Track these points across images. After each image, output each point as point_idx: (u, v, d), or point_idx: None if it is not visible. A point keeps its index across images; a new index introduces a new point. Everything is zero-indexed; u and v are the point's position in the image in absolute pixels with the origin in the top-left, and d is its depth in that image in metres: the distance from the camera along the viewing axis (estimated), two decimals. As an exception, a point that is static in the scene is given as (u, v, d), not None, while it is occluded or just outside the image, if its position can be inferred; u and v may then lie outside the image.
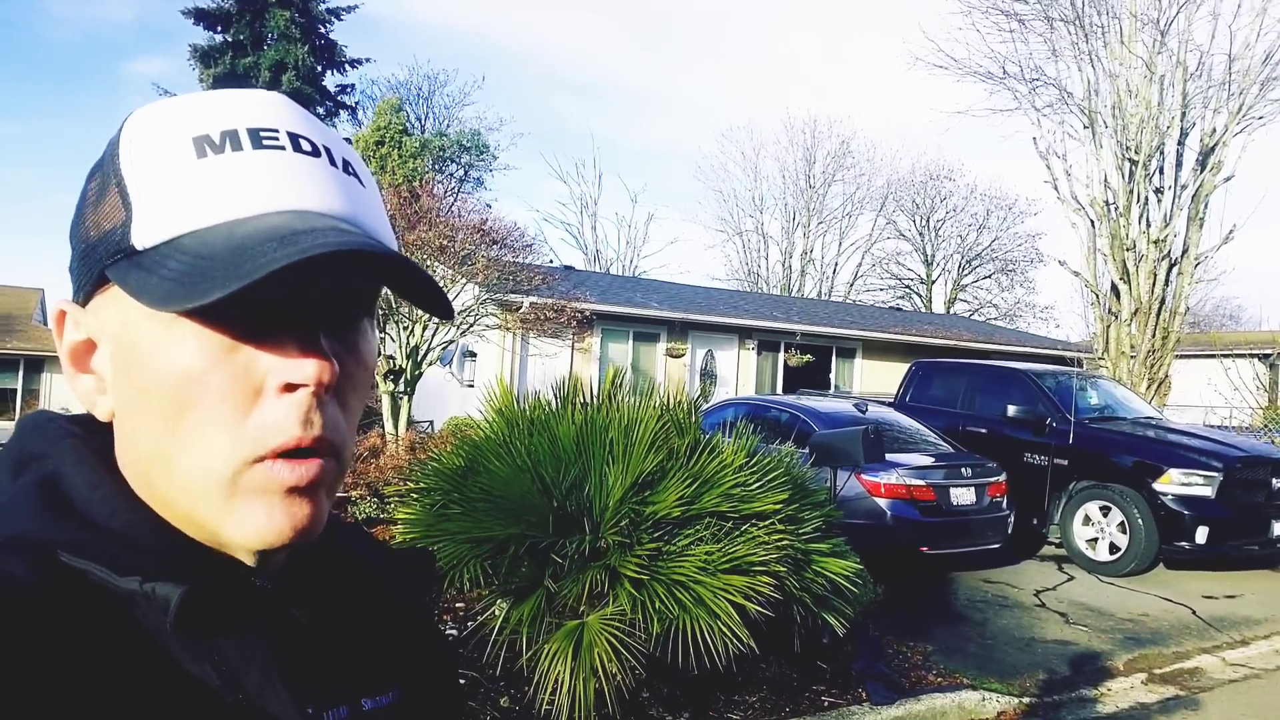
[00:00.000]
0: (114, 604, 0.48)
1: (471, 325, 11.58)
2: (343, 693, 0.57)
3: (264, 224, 0.49)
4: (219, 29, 23.06)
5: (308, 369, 0.50)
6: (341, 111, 25.60)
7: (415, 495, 4.32)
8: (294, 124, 0.54)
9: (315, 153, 0.54)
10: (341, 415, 0.54)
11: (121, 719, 0.45)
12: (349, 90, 25.86)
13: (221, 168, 0.50)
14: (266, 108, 0.54)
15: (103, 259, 0.51)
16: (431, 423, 13.28)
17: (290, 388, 0.50)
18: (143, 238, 0.50)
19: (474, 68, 62.80)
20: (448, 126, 32.05)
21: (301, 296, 0.51)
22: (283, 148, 0.52)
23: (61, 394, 21.52)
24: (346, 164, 0.56)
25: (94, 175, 0.54)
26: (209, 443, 0.50)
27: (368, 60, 25.61)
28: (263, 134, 0.52)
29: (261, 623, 0.54)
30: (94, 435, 0.55)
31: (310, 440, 0.51)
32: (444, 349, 11.62)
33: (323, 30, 24.06)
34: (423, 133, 30.29)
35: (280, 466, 0.50)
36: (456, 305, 12.64)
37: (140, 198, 0.50)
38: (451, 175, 28.22)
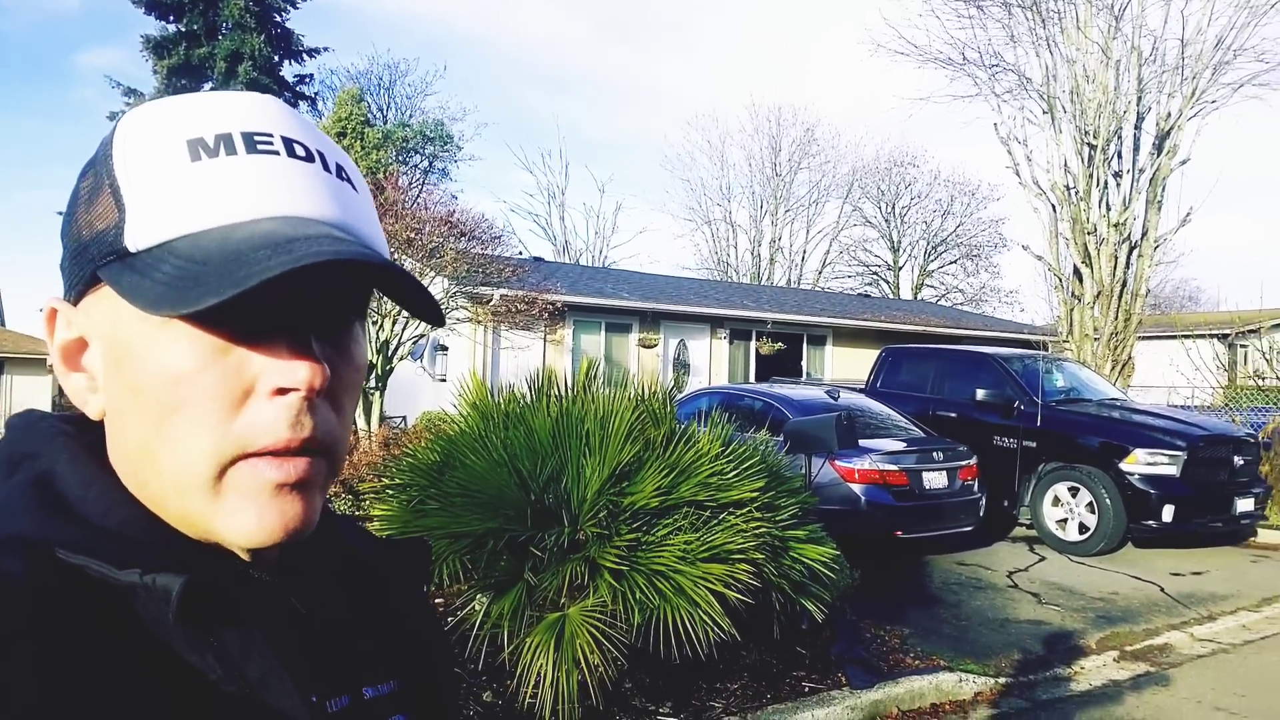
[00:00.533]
0: (113, 599, 0.48)
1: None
2: (344, 682, 0.58)
3: (258, 230, 0.49)
4: (171, 19, 22.51)
5: (299, 374, 0.50)
6: (301, 102, 25.15)
7: (391, 491, 4.26)
8: (288, 128, 0.54)
9: (309, 158, 0.54)
10: (334, 416, 0.54)
11: (124, 712, 0.45)
12: (308, 80, 25.41)
13: (215, 172, 0.51)
14: (261, 112, 0.54)
15: (95, 259, 0.52)
16: (405, 418, 13.16)
17: (281, 391, 0.51)
18: (136, 240, 0.50)
19: (436, 56, 62.05)
20: (410, 117, 31.69)
21: (294, 300, 0.51)
22: (277, 152, 0.53)
23: (22, 395, 21.03)
24: (340, 169, 0.56)
25: (86, 174, 0.54)
26: (194, 442, 0.50)
27: (326, 49, 25.14)
28: (257, 138, 0.52)
29: (261, 613, 0.54)
30: (85, 433, 0.55)
31: (299, 442, 0.51)
32: (414, 343, 11.50)
33: (278, 19, 23.58)
34: (385, 123, 29.91)
35: (266, 464, 0.51)
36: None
37: (133, 200, 0.51)
38: (416, 166, 27.94)
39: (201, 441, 0.50)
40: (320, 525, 0.56)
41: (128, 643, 0.47)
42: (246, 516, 0.51)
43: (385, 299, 0.61)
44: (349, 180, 0.56)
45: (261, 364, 0.50)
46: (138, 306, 0.48)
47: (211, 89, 22.26)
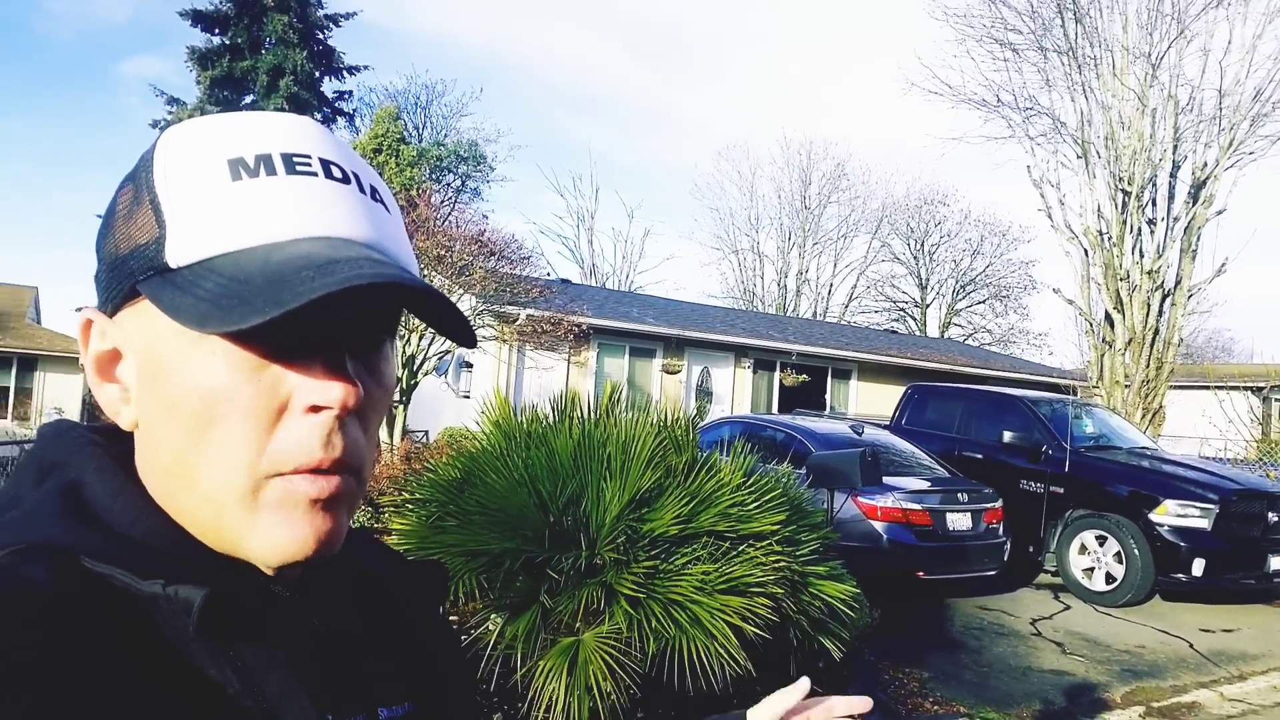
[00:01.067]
0: (136, 608, 0.48)
1: (467, 336, 11.54)
2: (359, 701, 0.58)
3: (298, 250, 0.50)
4: (216, 31, 23.05)
5: (333, 392, 0.51)
6: (339, 118, 25.59)
7: (411, 506, 4.25)
8: (325, 150, 0.55)
9: (345, 179, 0.55)
10: (362, 436, 0.55)
11: (139, 719, 0.45)
12: (347, 97, 25.87)
13: (255, 192, 0.52)
14: (299, 133, 0.55)
15: (135, 273, 0.52)
16: (426, 433, 13.20)
17: (315, 409, 0.51)
18: (177, 256, 0.51)
19: (472, 78, 63.17)
20: (445, 136, 32.13)
21: (330, 319, 0.52)
22: (315, 174, 0.54)
23: (54, 393, 21.35)
24: (374, 190, 0.57)
25: (125, 188, 0.55)
26: (230, 457, 0.51)
27: (366, 67, 25.63)
28: (296, 159, 0.53)
29: (281, 630, 0.54)
30: (114, 444, 0.56)
31: (330, 462, 0.52)
32: (440, 359, 11.56)
33: (321, 36, 24.07)
34: (420, 142, 30.34)
35: (301, 480, 0.51)
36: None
37: (174, 216, 0.51)
38: (448, 185, 28.27)
39: (238, 457, 0.50)
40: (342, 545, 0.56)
41: (148, 652, 0.47)
42: (280, 531, 0.51)
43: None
44: (382, 201, 0.57)
45: (296, 381, 0.51)
46: (180, 322, 0.49)
47: (253, 101, 22.69)
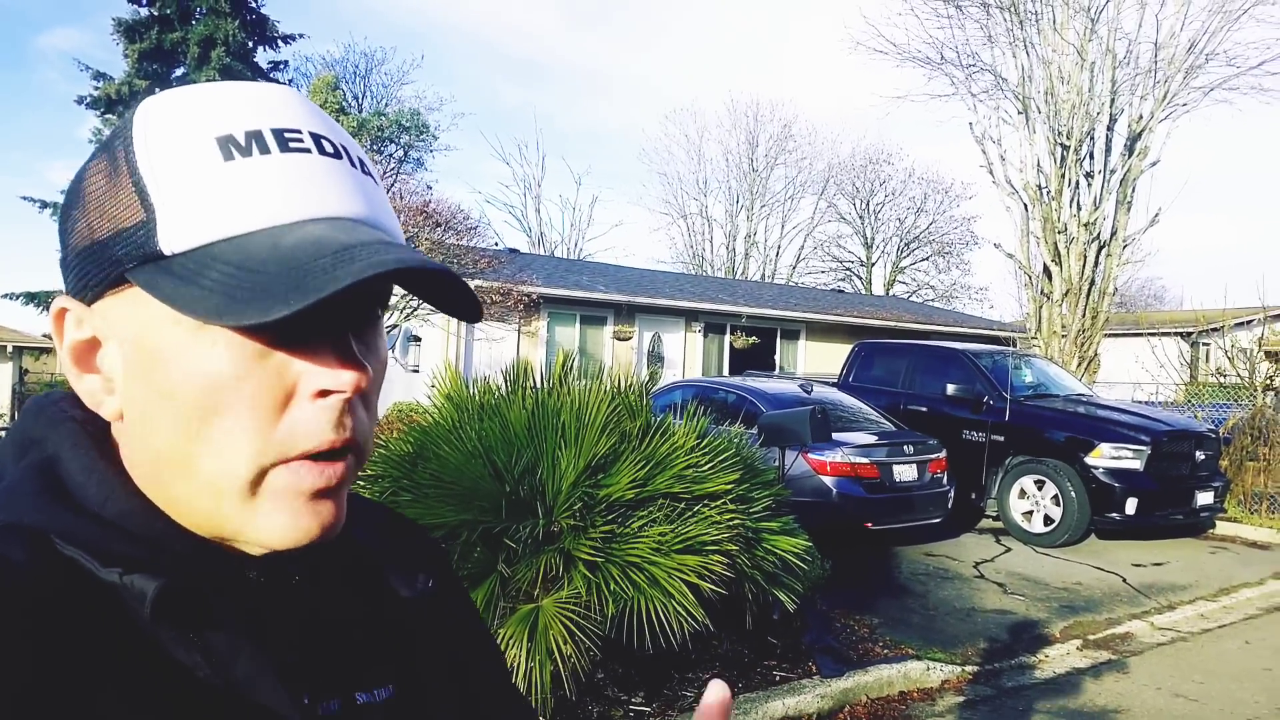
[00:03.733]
0: (104, 591, 0.48)
1: (415, 309, 11.41)
2: (336, 685, 0.57)
3: (307, 234, 0.48)
4: (144, 2, 22.09)
5: (344, 377, 0.50)
6: (325, 112, 24.68)
7: (363, 483, 4.23)
8: (314, 124, 0.53)
9: (337, 154, 0.53)
10: (366, 414, 0.54)
11: (110, 704, 0.45)
12: (282, 67, 25.02)
13: (250, 171, 0.49)
14: (286, 106, 0.53)
15: (121, 261, 0.50)
16: (375, 409, 13.06)
17: (324, 393, 0.50)
18: (171, 243, 0.48)
19: (412, 45, 61.36)
20: (386, 106, 31.36)
21: (336, 302, 0.50)
22: (308, 150, 0.52)
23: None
24: (362, 164, 0.55)
25: (96, 165, 0.52)
26: (235, 446, 0.50)
27: (301, 36, 24.76)
28: (288, 135, 0.51)
29: (251, 613, 0.53)
30: (94, 419, 0.54)
31: (340, 443, 0.51)
32: (387, 333, 11.41)
33: (253, 5, 23.18)
34: (360, 112, 29.59)
35: (306, 470, 0.51)
36: (397, 289, 12.39)
37: (163, 199, 0.49)
38: (391, 156, 27.64)
39: (244, 446, 0.49)
40: None
41: (117, 636, 0.47)
42: (281, 519, 0.51)
43: None
44: (370, 174, 0.56)
45: (303, 367, 0.50)
46: (189, 314, 0.47)
47: (184, 74, 21.82)
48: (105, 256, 0.50)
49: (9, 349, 20.67)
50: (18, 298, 19.27)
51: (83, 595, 0.47)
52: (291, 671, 0.53)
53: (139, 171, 0.50)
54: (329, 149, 0.53)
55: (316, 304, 0.45)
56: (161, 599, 0.48)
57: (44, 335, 20.02)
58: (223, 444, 0.49)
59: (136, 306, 0.50)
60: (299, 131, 0.52)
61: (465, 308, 0.54)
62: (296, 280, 0.46)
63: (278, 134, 0.51)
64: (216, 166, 0.49)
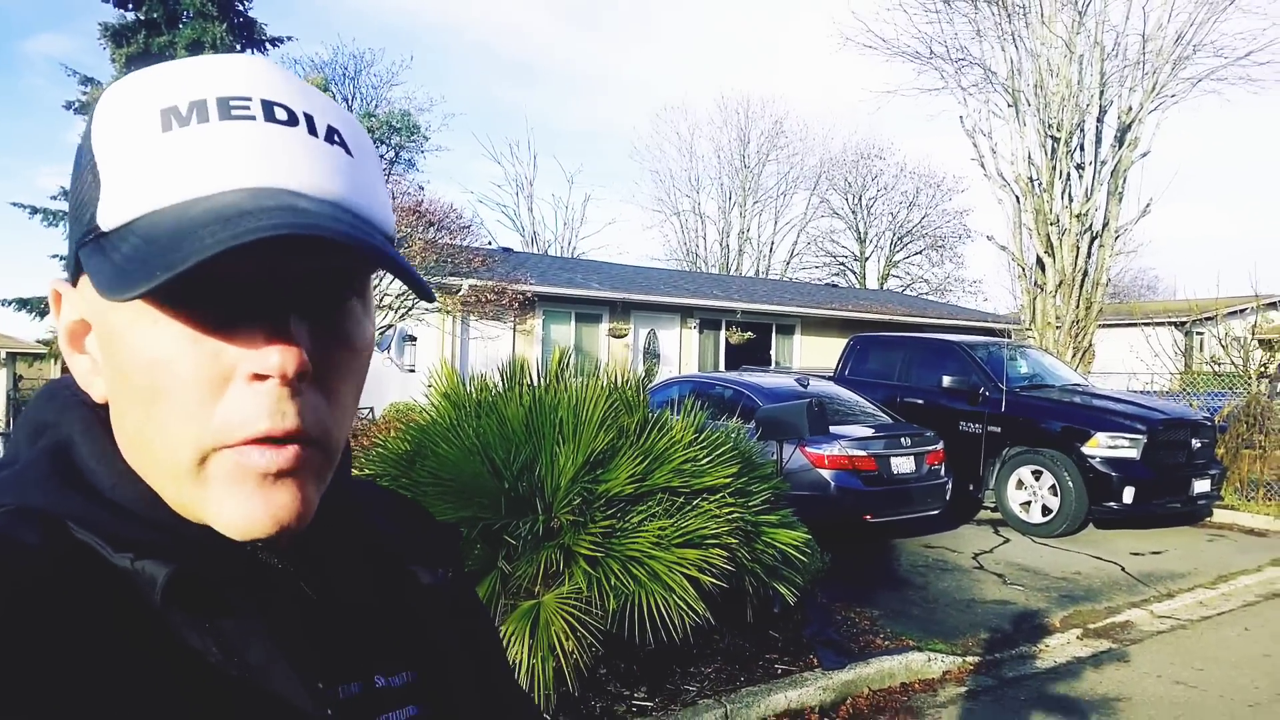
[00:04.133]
0: (117, 575, 0.48)
1: (410, 309, 11.38)
2: (356, 668, 0.56)
3: (215, 204, 0.46)
4: (130, 6, 21.97)
5: (272, 359, 0.47)
6: (303, 80, 24.59)
7: (370, 474, 4.23)
8: (272, 90, 0.50)
9: (291, 121, 0.50)
10: (325, 403, 0.51)
11: (121, 687, 0.44)
12: (272, 70, 24.98)
13: (184, 141, 0.47)
14: (243, 74, 0.51)
15: (80, 238, 0.50)
16: (371, 409, 13.04)
17: (259, 378, 0.48)
18: (107, 218, 0.48)
19: (400, 45, 61.27)
20: (376, 107, 31.20)
21: (274, 279, 0.48)
22: (253, 117, 0.49)
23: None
24: (331, 131, 0.52)
25: (78, 152, 0.52)
26: (177, 430, 0.48)
27: (289, 38, 24.78)
28: (233, 103, 0.49)
29: (264, 598, 0.52)
30: (104, 406, 0.54)
31: (281, 432, 0.48)
32: (382, 334, 11.40)
33: (240, 7, 23.07)
34: (350, 113, 29.51)
35: (252, 451, 0.48)
36: (393, 289, 12.40)
37: (108, 175, 0.48)
38: (382, 157, 27.57)
39: (182, 430, 0.48)
40: (343, 505, 0.54)
41: (128, 620, 0.46)
42: (232, 506, 0.49)
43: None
44: (341, 143, 0.52)
45: (238, 349, 0.48)
46: (96, 290, 0.47)
47: (171, 77, 21.83)
48: (74, 235, 0.51)
49: (2, 355, 20.57)
50: (10, 304, 19.14)
51: (95, 580, 0.47)
52: (305, 656, 0.52)
53: (93, 150, 0.49)
54: (281, 116, 0.50)
55: (178, 276, 0.42)
56: (172, 585, 0.47)
57: (38, 341, 19.91)
58: (167, 426, 0.49)
59: None
60: (247, 99, 0.49)
61: (411, 281, 0.51)
62: (173, 250, 0.44)
63: (222, 102, 0.49)
64: (154, 138, 0.48)
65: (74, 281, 0.53)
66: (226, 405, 0.48)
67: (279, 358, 0.47)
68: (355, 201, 0.51)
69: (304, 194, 0.48)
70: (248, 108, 0.49)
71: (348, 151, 0.52)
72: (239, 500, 0.49)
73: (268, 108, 0.50)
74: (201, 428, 0.48)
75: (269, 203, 0.46)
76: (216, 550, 0.51)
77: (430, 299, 0.54)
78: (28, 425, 0.55)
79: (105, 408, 0.54)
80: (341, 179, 0.50)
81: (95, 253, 0.48)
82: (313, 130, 0.51)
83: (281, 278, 0.49)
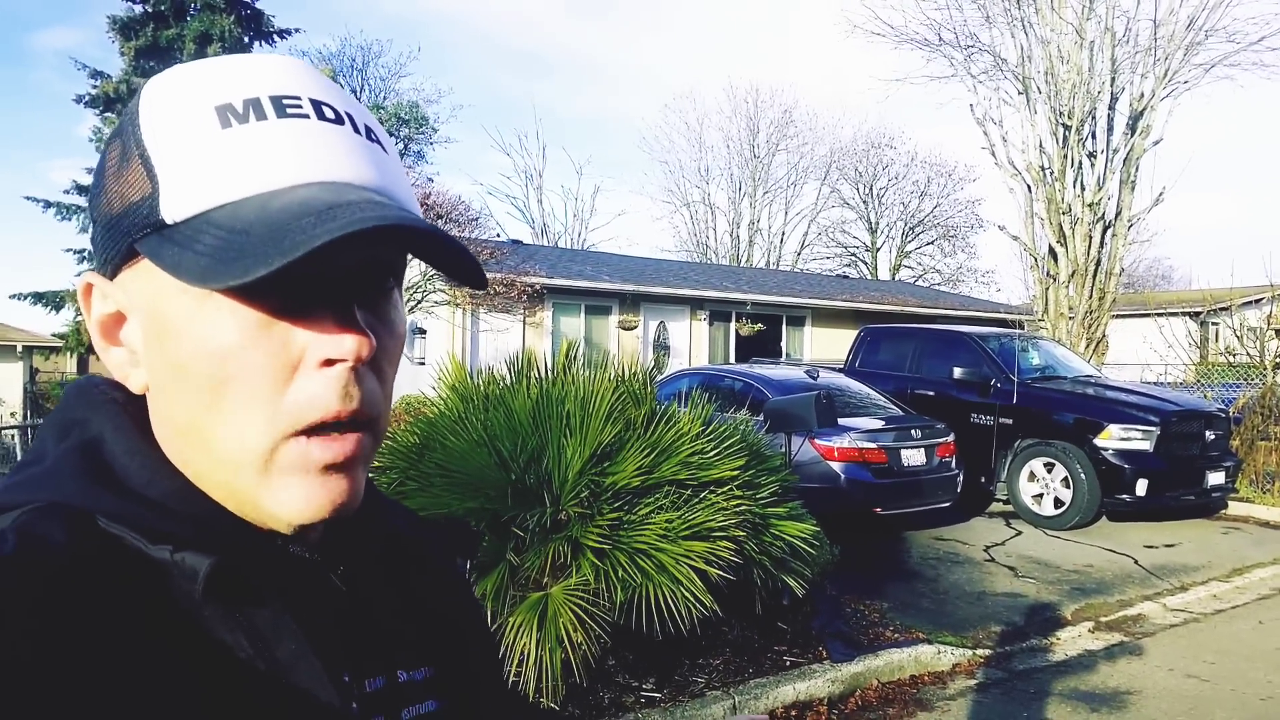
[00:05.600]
0: (148, 570, 0.48)
1: (420, 302, 11.41)
2: (379, 663, 0.58)
3: (296, 197, 0.48)
4: (138, 0, 22.06)
5: (346, 344, 0.50)
6: (333, 80, 24.65)
7: (371, 474, 4.23)
8: (316, 90, 0.54)
9: (339, 120, 0.53)
10: (378, 387, 0.54)
11: (149, 681, 0.45)
12: (281, 63, 25.02)
13: (247, 138, 0.50)
14: (288, 74, 0.54)
15: (130, 232, 0.51)
16: (381, 402, 13.08)
17: (329, 363, 0.50)
18: (172, 211, 0.49)
19: (409, 38, 61.28)
20: (384, 99, 31.30)
21: (336, 269, 0.50)
22: (307, 116, 0.52)
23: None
24: (369, 130, 0.55)
25: (112, 145, 0.54)
26: (246, 418, 0.50)
27: (297, 30, 24.70)
28: (286, 102, 0.52)
29: (296, 592, 0.54)
30: (135, 401, 0.55)
31: (349, 413, 0.51)
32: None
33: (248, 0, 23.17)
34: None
35: (316, 445, 0.51)
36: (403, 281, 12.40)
37: (166, 170, 0.50)
38: (391, 150, 27.61)
39: (255, 418, 0.50)
40: (365, 503, 0.55)
41: (158, 614, 0.47)
42: (294, 494, 0.51)
43: None
44: (378, 141, 0.55)
45: (307, 336, 0.50)
46: (182, 280, 0.47)
47: (181, 71, 21.90)
48: (119, 229, 0.52)
49: (19, 349, 20.74)
50: (26, 298, 19.29)
51: (124, 575, 0.47)
52: (332, 650, 0.53)
53: (144, 144, 0.51)
54: (330, 115, 0.53)
55: (294, 262, 0.44)
56: (212, 576, 0.48)
57: (54, 335, 20.06)
58: (234, 415, 0.50)
59: (149, 278, 0.51)
60: (298, 98, 0.52)
61: (468, 273, 0.53)
62: (277, 240, 0.46)
63: (276, 101, 0.51)
64: (214, 134, 0.50)
65: (111, 274, 0.54)
66: (297, 390, 0.50)
67: (352, 342, 0.50)
68: (397, 193, 0.54)
69: (364, 187, 0.51)
70: (300, 107, 0.52)
71: (383, 149, 0.56)
72: (302, 488, 0.51)
73: (317, 107, 0.53)
74: (274, 413, 0.50)
75: (350, 196, 0.49)
76: (251, 543, 0.52)
77: (482, 286, 0.56)
78: (57, 422, 0.55)
79: (137, 403, 0.55)
80: (384, 173, 0.54)
81: (165, 244, 0.49)
82: (355, 129, 0.54)
83: (341, 267, 0.51)
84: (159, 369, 0.52)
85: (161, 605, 0.47)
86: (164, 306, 0.51)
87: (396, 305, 0.56)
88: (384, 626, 0.59)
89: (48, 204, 19.87)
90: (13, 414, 18.62)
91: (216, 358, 0.49)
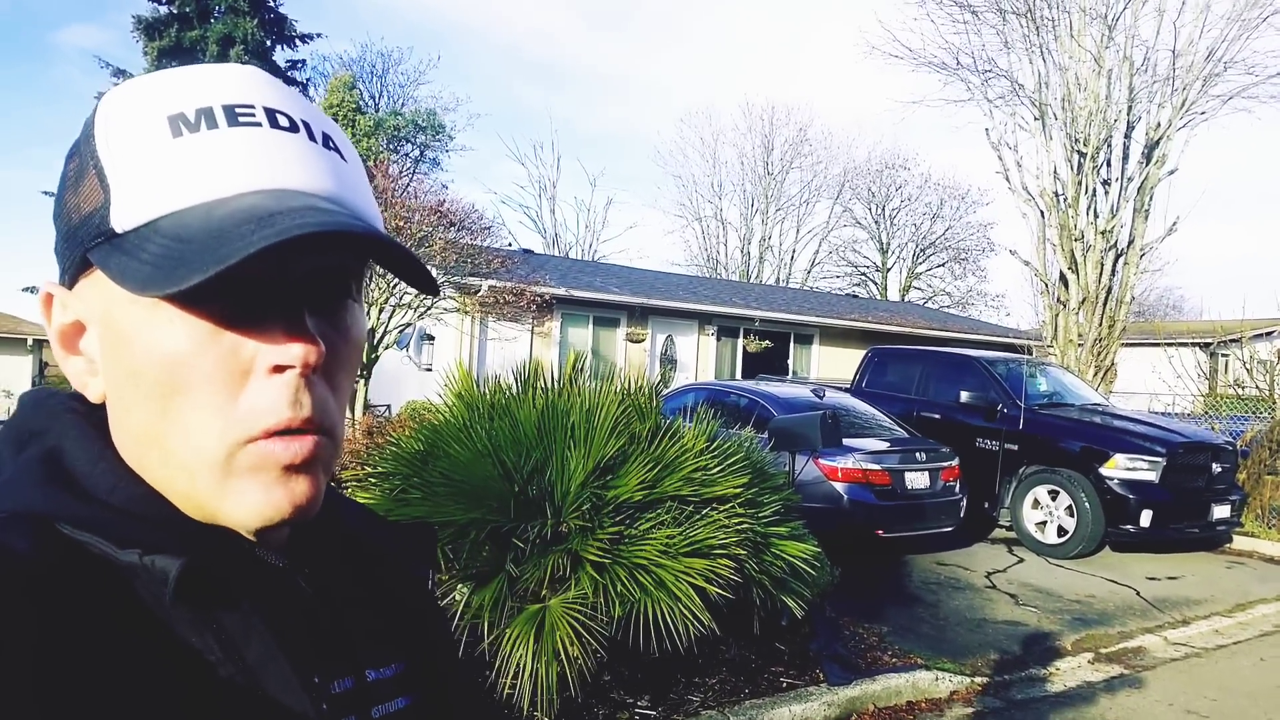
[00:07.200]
0: (115, 576, 0.48)
1: (429, 308, 11.44)
2: (347, 663, 0.58)
3: (241, 204, 0.48)
4: (163, 0, 22.30)
5: (294, 351, 0.50)
6: (292, 88, 24.84)
7: (374, 480, 4.25)
8: (271, 99, 0.53)
9: (293, 128, 0.53)
10: (330, 395, 0.54)
11: (119, 688, 0.45)
12: (299, 66, 25.20)
13: (197, 147, 0.50)
14: (242, 83, 0.53)
15: (84, 242, 0.51)
16: (389, 406, 13.12)
17: (279, 369, 0.50)
18: (121, 220, 0.49)
19: (428, 44, 61.58)
20: (402, 105, 31.51)
21: (286, 276, 0.51)
22: (259, 124, 0.52)
23: (1, 376, 20.77)
24: (327, 138, 0.55)
25: (72, 157, 0.54)
26: (199, 424, 0.50)
27: (319, 35, 24.98)
28: (238, 110, 0.51)
29: (263, 594, 0.54)
30: (94, 411, 0.55)
31: (300, 421, 0.51)
32: (401, 332, 11.47)
33: (271, 3, 23.36)
34: (377, 111, 29.73)
35: (275, 444, 0.50)
36: (412, 289, 12.43)
37: (117, 179, 0.50)
38: (406, 155, 27.78)
39: (208, 424, 0.50)
40: (326, 505, 0.56)
41: (127, 620, 0.47)
42: (254, 497, 0.51)
43: (374, 287, 0.60)
44: (336, 149, 0.55)
45: (257, 343, 0.50)
46: (126, 288, 0.48)
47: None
48: (75, 240, 0.52)
49: (29, 342, 20.87)
50: (38, 291, 19.43)
51: (91, 582, 0.47)
52: (302, 652, 0.54)
53: (98, 155, 0.51)
54: (284, 123, 0.52)
55: (231, 268, 0.45)
56: (182, 579, 0.48)
57: (62, 329, 20.19)
58: (188, 422, 0.50)
59: (104, 287, 0.51)
60: (251, 107, 0.52)
61: (418, 277, 0.53)
62: (215, 248, 0.46)
63: (228, 109, 0.51)
64: (165, 144, 0.50)
65: (69, 284, 0.54)
66: (248, 397, 0.50)
67: (301, 350, 0.50)
68: (354, 202, 0.54)
69: (314, 195, 0.51)
70: (253, 115, 0.52)
71: (342, 157, 0.55)
72: (261, 490, 0.51)
73: (270, 115, 0.52)
74: (226, 421, 0.50)
75: (293, 203, 0.49)
76: (218, 547, 0.52)
77: (434, 292, 0.56)
78: (13, 434, 0.55)
79: (97, 413, 0.54)
80: (340, 182, 0.54)
81: (114, 253, 0.49)
82: (311, 136, 0.54)
83: (292, 274, 0.51)
84: (115, 377, 0.52)
85: (129, 610, 0.47)
86: (118, 315, 0.51)
87: (352, 313, 0.56)
88: (352, 627, 0.59)
89: (65, 199, 20.04)
90: (22, 406, 18.71)
91: (167, 365, 0.49)
